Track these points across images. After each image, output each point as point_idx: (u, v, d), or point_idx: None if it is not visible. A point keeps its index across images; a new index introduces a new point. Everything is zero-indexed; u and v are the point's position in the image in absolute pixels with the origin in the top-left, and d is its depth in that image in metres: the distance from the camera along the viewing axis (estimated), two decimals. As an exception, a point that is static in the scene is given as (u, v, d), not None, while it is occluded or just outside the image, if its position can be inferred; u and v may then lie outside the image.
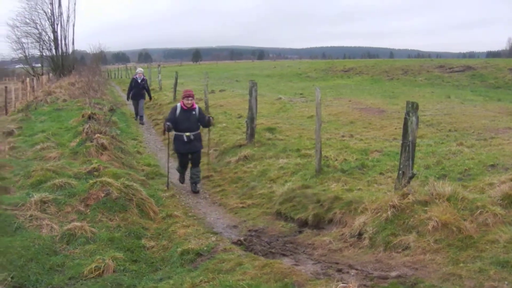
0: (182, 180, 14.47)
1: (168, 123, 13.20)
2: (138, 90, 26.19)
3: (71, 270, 7.76)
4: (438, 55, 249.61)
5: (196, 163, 13.94)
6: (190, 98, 13.62)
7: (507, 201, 8.77)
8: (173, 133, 13.72)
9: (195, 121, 13.70)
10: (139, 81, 26.26)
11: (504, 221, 8.15)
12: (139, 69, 28.15)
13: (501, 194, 8.97)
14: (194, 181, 13.81)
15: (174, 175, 14.37)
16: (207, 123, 13.98)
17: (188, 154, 13.87)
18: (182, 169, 14.25)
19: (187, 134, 13.46)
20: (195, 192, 13.63)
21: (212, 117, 14.76)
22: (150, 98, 29.19)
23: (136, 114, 27.21)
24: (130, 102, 28.48)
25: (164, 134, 14.62)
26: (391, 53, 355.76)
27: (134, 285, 7.49)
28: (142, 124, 26.25)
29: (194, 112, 13.67)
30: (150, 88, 41.75)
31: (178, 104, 13.77)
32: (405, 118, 9.22)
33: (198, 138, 13.90)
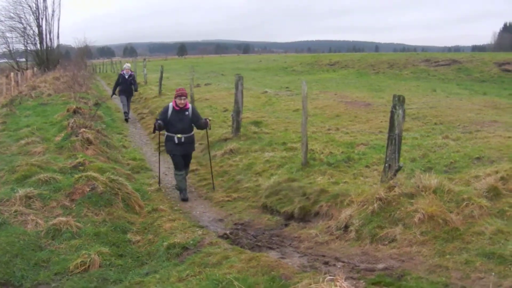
0: (184, 196, 12.55)
1: (159, 121, 12.30)
2: (126, 86, 25.19)
3: (56, 265, 7.72)
4: (424, 49, 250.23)
5: (187, 165, 13.23)
6: (183, 98, 12.56)
7: (492, 193, 8.83)
8: (164, 132, 12.87)
9: (188, 122, 12.68)
10: (127, 77, 25.20)
11: (489, 213, 8.21)
12: (127, 65, 26.93)
13: (486, 187, 9.03)
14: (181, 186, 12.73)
15: (168, 175, 14.25)
16: (203, 125, 12.97)
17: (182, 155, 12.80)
18: (180, 171, 12.66)
19: (179, 135, 12.50)
20: (185, 200, 12.40)
21: (209, 119, 13.33)
22: (136, 90, 27.32)
23: (126, 113, 25.59)
24: (115, 97, 28.06)
25: (154, 132, 13.41)
26: (376, 47, 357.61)
27: (120, 279, 7.46)
28: (127, 120, 25.22)
29: (187, 113, 12.62)
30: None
31: (170, 104, 12.72)
32: (392, 112, 9.23)
33: (191, 140, 12.95)
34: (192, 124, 12.89)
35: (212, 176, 13.51)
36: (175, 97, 12.65)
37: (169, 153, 13.06)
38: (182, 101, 12.57)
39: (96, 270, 7.64)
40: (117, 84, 25.80)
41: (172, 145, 12.66)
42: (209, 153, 14.30)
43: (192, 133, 12.95)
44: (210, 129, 13.56)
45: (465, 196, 8.52)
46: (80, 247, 8.37)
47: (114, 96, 28.03)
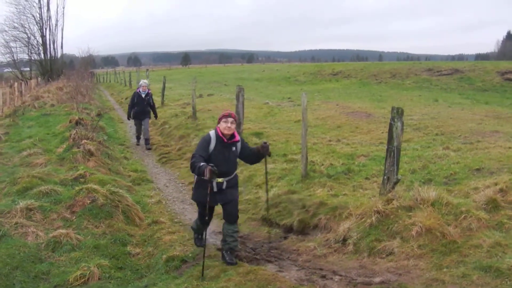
0: (199, 242, 9.38)
1: (212, 167, 7.90)
2: (142, 107, 20.99)
3: (56, 278, 7.76)
4: (427, 57, 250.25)
5: (232, 218, 8.91)
6: (233, 123, 8.65)
7: (491, 206, 8.87)
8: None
9: (234, 160, 8.91)
10: (143, 95, 20.97)
11: (488, 226, 8.23)
12: (143, 81, 21.95)
13: (485, 199, 9.07)
14: (230, 247, 8.76)
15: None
16: (261, 154, 9.07)
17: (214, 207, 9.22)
18: (202, 225, 9.16)
19: (220, 180, 8.62)
20: (231, 263, 8.42)
21: (268, 143, 9.07)
22: (156, 116, 22.55)
23: (138, 137, 21.67)
24: (132, 121, 22.58)
25: (209, 180, 8.11)
26: (380, 56, 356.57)
27: (120, 292, 7.50)
28: (149, 149, 20.70)
29: (234, 148, 8.83)
30: None
31: (212, 133, 8.77)
32: (390, 124, 9.23)
33: (235, 183, 9.06)
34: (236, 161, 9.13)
35: (267, 200, 10.31)
36: (219, 121, 8.77)
37: (197, 202, 9.17)
38: (232, 128, 8.66)
39: (95, 283, 7.69)
40: (132, 105, 21.27)
41: (205, 193, 8.47)
42: (267, 184, 10.50)
43: (235, 173, 9.10)
44: (270, 155, 9.41)
45: (463, 209, 8.54)
46: (80, 260, 8.42)
47: (130, 120, 22.64)
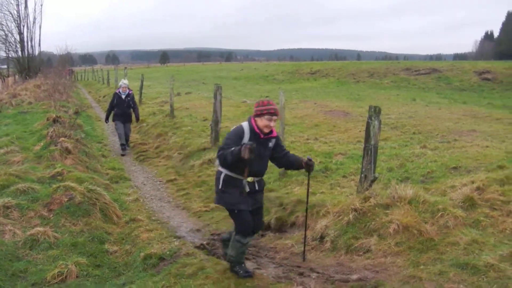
0: (245, 271, 7.51)
1: (251, 145, 6.84)
2: (123, 109, 19.60)
3: (34, 276, 7.68)
4: (406, 57, 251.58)
5: (258, 229, 8.12)
6: (274, 117, 7.39)
7: (468, 204, 8.93)
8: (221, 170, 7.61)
9: (267, 158, 7.76)
10: (123, 96, 19.57)
11: (464, 223, 8.29)
12: (123, 82, 20.25)
13: (462, 197, 9.13)
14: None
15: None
16: (298, 166, 7.99)
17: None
18: (245, 238, 7.62)
19: (250, 179, 7.45)
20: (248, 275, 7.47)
21: (312, 160, 7.92)
22: (138, 119, 20.84)
23: (123, 144, 19.67)
24: (111, 123, 20.98)
25: (248, 156, 6.80)
26: (358, 55, 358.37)
27: (97, 290, 7.46)
28: (124, 154, 19.19)
29: (270, 144, 7.68)
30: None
31: (245, 125, 7.49)
32: (368, 122, 9.25)
33: (263, 186, 7.97)
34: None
35: (304, 244, 8.70)
36: (259, 115, 7.41)
37: (230, 207, 7.60)
38: (272, 124, 7.43)
39: (73, 281, 7.60)
40: (111, 106, 19.96)
41: (237, 194, 7.43)
42: (307, 199, 8.89)
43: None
44: (311, 171, 8.19)
45: (440, 207, 8.57)
46: (57, 258, 8.34)
47: (108, 122, 21.23)
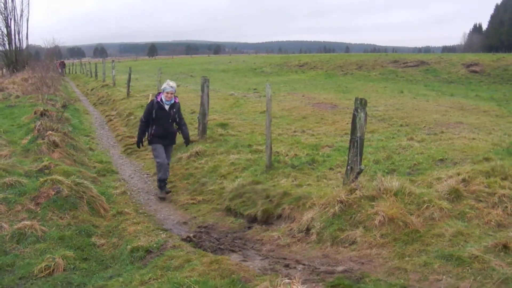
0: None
1: None
2: (166, 126, 12.96)
3: (21, 269, 7.68)
4: (395, 49, 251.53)
5: None
6: None
7: (453, 196, 8.97)
8: None
9: None
10: (167, 107, 12.91)
11: (450, 215, 8.33)
12: (169, 84, 13.01)
13: (448, 189, 9.16)
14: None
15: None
16: None
17: None
18: None
19: None
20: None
21: None
22: (188, 141, 13.70)
23: (164, 181, 12.75)
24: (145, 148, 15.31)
25: None
26: (347, 48, 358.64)
27: (84, 283, 7.43)
28: (164, 197, 12.52)
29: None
30: (105, 84, 40.36)
31: None
32: (354, 115, 9.26)
33: None
34: None
35: None
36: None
37: None
38: None
39: (60, 274, 7.60)
40: (146, 120, 12.97)
41: None
42: None
43: None
44: None
45: (426, 198, 8.63)
46: (44, 251, 8.33)
47: (141, 147, 13.95)
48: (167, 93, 12.84)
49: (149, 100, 13.69)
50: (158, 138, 12.86)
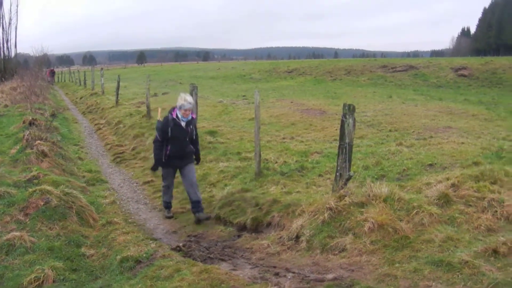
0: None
1: None
2: (182, 145, 11.47)
3: (10, 281, 7.62)
4: (383, 54, 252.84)
5: None
6: None
7: (443, 201, 8.95)
8: None
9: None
10: (184, 124, 11.39)
11: (440, 221, 8.31)
12: (186, 100, 11.28)
13: (437, 194, 9.15)
14: None
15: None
16: None
17: None
18: None
19: None
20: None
21: None
22: (199, 159, 12.22)
23: (169, 203, 11.97)
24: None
25: None
26: (336, 53, 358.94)
27: (74, 294, 7.43)
28: (207, 218, 11.15)
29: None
30: (94, 92, 40.25)
31: None
32: (342, 121, 9.25)
33: None
34: None
35: None
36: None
37: None
38: None
39: (49, 285, 7.55)
40: (162, 139, 11.41)
41: None
42: None
43: None
44: None
45: (415, 204, 8.61)
46: (34, 262, 8.25)
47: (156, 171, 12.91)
48: (185, 110, 11.28)
49: (159, 115, 12.53)
50: (175, 159, 11.48)
